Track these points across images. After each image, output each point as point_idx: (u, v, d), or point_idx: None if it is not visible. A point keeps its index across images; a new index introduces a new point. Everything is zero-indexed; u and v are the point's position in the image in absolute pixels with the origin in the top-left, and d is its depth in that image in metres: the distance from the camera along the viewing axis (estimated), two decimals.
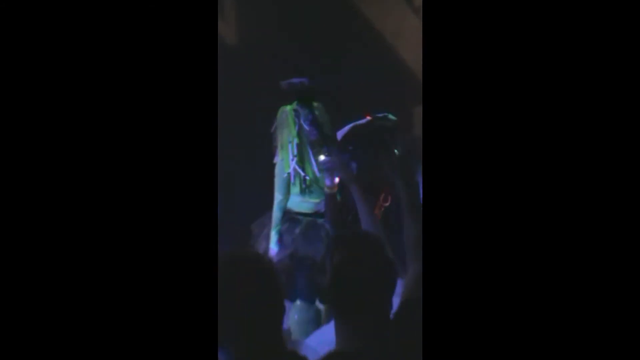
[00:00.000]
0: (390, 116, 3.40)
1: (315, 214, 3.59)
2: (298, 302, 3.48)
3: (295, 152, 3.55)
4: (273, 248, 3.53)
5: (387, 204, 3.08)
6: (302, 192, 3.57)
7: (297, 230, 3.55)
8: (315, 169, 3.51)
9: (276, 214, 3.57)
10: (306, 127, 3.52)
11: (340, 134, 3.34)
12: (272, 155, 3.62)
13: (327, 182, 2.99)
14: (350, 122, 3.20)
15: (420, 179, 2.91)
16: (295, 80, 3.53)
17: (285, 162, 3.56)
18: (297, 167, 3.54)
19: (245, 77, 4.53)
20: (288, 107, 3.56)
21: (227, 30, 4.87)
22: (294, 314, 3.46)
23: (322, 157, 3.01)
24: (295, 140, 3.53)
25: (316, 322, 3.43)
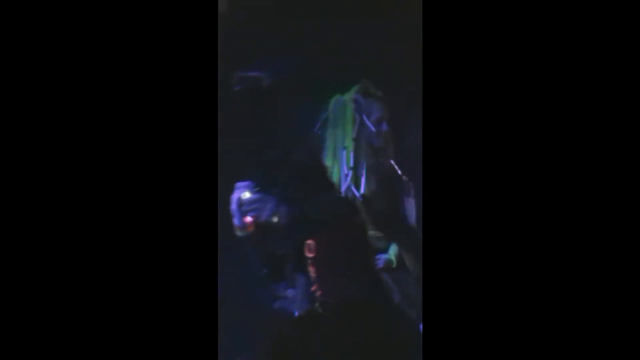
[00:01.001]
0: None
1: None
2: None
3: (352, 163, 2.37)
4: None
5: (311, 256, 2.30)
6: None
7: None
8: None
9: None
10: (370, 126, 2.38)
11: None
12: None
13: (236, 221, 2.27)
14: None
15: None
16: (250, 73, 2.51)
17: (335, 178, 2.41)
18: (352, 187, 2.37)
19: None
20: (345, 96, 2.43)
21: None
22: None
23: (246, 195, 2.29)
24: (352, 146, 2.37)
25: None
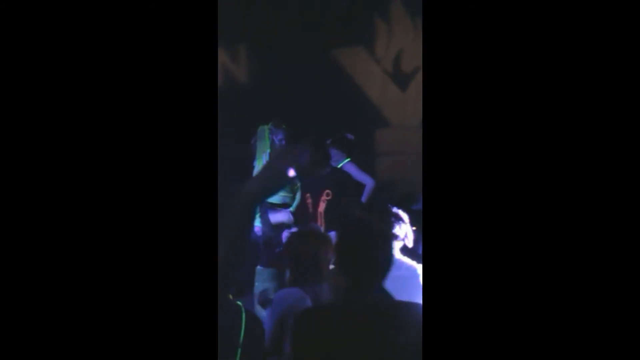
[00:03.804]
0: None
1: (283, 205, 4.85)
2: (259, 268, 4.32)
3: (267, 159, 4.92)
4: (257, 225, 4.72)
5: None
6: None
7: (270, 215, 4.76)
8: None
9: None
10: (276, 141, 4.95)
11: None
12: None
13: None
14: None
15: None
16: None
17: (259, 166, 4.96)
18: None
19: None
20: (265, 126, 5.03)
21: None
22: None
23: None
24: (268, 151, 4.96)
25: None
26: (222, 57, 6.06)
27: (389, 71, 5.99)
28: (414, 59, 5.81)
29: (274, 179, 1.69)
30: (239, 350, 2.10)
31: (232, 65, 6.16)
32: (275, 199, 4.81)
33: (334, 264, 2.69)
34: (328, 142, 5.24)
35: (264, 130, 5.06)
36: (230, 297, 2.20)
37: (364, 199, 5.04)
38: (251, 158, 5.12)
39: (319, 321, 2.00)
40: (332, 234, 3.19)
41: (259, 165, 4.96)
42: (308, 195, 4.92)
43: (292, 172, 1.83)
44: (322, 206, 4.87)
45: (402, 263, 2.96)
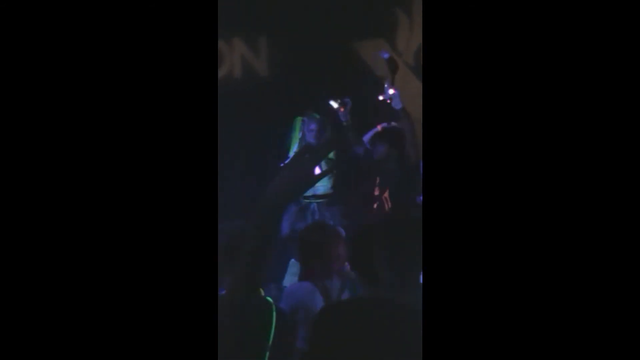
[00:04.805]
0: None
1: (313, 197, 4.95)
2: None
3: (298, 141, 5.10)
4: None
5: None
6: None
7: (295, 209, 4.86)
8: None
9: None
10: (307, 132, 4.99)
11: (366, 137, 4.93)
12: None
13: None
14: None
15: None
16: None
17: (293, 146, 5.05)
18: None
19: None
20: (298, 117, 5.11)
21: None
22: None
23: None
24: (297, 143, 5.06)
25: None
26: (242, 48, 6.10)
27: (410, 64, 5.97)
28: None
29: (299, 180, 1.67)
30: (267, 354, 2.00)
31: (251, 57, 6.20)
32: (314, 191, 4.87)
33: (346, 259, 2.68)
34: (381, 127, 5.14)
35: (297, 121, 5.10)
36: (262, 292, 2.16)
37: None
38: (285, 149, 5.14)
39: (334, 318, 1.99)
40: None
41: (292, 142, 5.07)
42: (377, 178, 4.91)
43: (318, 170, 1.83)
44: (387, 191, 4.91)
45: None
